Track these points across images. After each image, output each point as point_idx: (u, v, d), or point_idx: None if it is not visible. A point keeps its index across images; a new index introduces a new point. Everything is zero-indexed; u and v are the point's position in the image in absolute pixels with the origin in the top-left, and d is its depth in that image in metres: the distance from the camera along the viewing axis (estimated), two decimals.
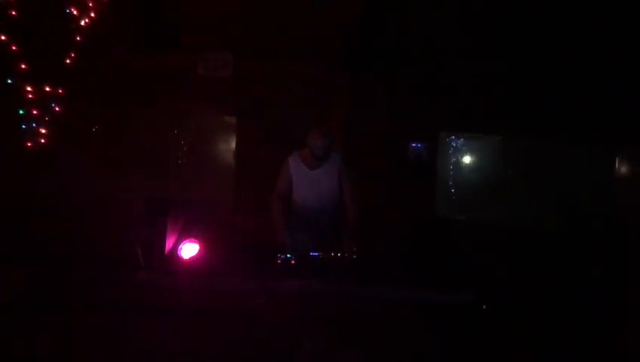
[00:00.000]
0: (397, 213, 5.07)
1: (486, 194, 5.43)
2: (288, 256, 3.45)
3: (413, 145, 5.23)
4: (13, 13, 2.92)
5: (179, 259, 2.96)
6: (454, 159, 5.44)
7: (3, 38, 3.01)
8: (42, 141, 3.31)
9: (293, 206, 3.63)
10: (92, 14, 3.45)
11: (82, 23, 3.37)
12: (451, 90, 5.27)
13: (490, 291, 4.06)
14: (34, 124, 3.24)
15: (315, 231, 3.51)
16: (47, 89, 3.30)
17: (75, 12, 3.33)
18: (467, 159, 5.50)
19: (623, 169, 5.52)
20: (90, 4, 3.41)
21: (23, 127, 3.22)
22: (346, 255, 3.32)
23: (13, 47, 3.04)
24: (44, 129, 3.26)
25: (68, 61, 3.53)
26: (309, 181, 3.53)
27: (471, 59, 5.17)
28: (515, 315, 3.79)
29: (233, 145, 5.31)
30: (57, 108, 3.40)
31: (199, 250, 3.01)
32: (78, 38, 3.55)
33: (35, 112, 3.23)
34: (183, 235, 3.04)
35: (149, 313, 2.88)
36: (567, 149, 5.46)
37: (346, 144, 5.07)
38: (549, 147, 5.46)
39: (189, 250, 2.98)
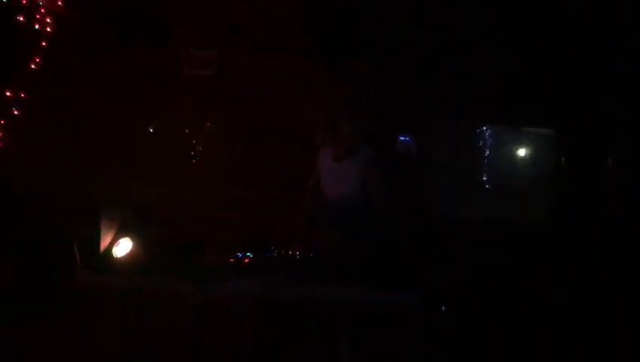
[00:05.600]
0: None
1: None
2: (248, 254, 3.38)
3: (402, 138, 4.99)
4: None
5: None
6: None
7: None
8: None
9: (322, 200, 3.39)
10: (48, 20, 3.51)
11: (36, 27, 3.44)
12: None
13: (455, 291, 3.89)
14: None
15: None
16: (8, 94, 3.41)
17: (22, 20, 3.41)
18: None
19: None
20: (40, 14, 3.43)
21: None
22: (298, 253, 3.24)
23: None
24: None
25: (33, 66, 3.63)
26: (329, 175, 3.27)
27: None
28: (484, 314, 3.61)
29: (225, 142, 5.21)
30: (16, 112, 3.51)
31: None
32: (43, 44, 3.65)
33: None
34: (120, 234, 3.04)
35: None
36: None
37: None
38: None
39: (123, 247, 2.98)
